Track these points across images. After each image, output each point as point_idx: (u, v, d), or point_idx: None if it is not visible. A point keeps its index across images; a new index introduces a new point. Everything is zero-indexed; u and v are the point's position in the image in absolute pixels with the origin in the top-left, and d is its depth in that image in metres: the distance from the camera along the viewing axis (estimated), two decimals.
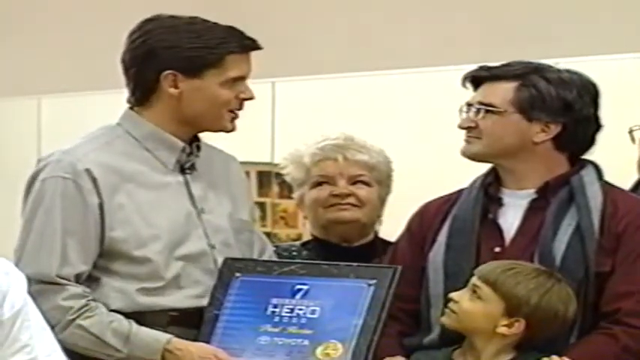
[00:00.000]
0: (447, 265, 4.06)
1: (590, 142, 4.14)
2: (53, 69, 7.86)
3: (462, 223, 4.17)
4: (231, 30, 4.02)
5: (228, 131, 4.06)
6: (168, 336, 3.98)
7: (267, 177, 6.62)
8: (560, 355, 3.88)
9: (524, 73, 4.10)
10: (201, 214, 4.03)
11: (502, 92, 4.09)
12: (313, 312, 4.04)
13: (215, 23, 4.06)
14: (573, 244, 4.02)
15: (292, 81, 7.04)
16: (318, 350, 3.93)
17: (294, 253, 4.61)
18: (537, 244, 4.01)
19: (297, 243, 4.75)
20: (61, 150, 4.04)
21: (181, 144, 3.99)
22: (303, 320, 4.06)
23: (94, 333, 3.92)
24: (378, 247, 4.51)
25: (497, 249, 3.96)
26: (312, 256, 4.51)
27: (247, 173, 5.43)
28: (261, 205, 6.76)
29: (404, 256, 4.26)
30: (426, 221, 4.29)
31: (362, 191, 4.40)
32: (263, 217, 6.97)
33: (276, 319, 4.06)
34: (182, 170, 4.00)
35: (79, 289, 3.89)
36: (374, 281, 4.02)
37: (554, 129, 4.04)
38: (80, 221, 3.93)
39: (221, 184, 4.16)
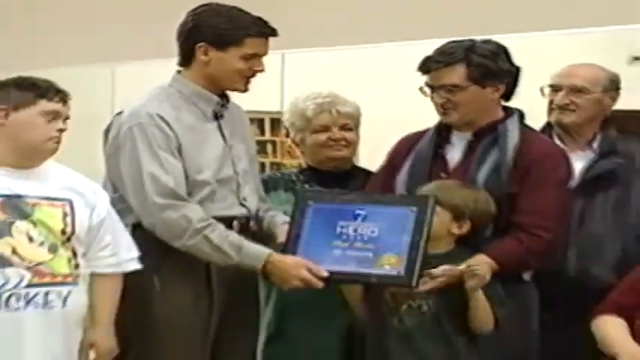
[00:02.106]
0: (408, 186, 4.82)
1: (514, 90, 4.90)
2: (126, 39, 7.96)
3: (421, 156, 4.89)
4: (257, 19, 4.68)
5: (241, 91, 4.74)
6: (269, 250, 4.60)
7: (277, 122, 6.86)
8: (478, 249, 4.59)
9: (465, 56, 4.74)
10: (231, 149, 4.74)
11: (457, 74, 4.73)
12: (372, 232, 4.55)
13: (247, 13, 4.73)
14: (493, 173, 4.70)
15: (299, 52, 7.30)
16: (380, 260, 4.48)
17: (294, 177, 5.31)
18: (469, 173, 4.73)
19: (295, 170, 5.40)
20: (133, 106, 4.71)
21: (216, 98, 4.68)
22: (366, 238, 4.55)
23: (216, 244, 4.54)
24: (356, 174, 5.24)
25: (443, 175, 4.71)
26: (307, 180, 5.24)
27: (263, 119, 6.03)
28: (273, 142, 7.23)
29: (382, 179, 5.03)
30: (398, 152, 5.00)
31: (349, 134, 5.11)
32: (274, 151, 7.43)
33: (344, 237, 4.58)
34: (216, 117, 4.73)
35: (197, 206, 4.56)
36: (415, 208, 4.51)
37: (502, 88, 4.77)
38: (169, 150, 4.60)
39: (239, 128, 4.86)
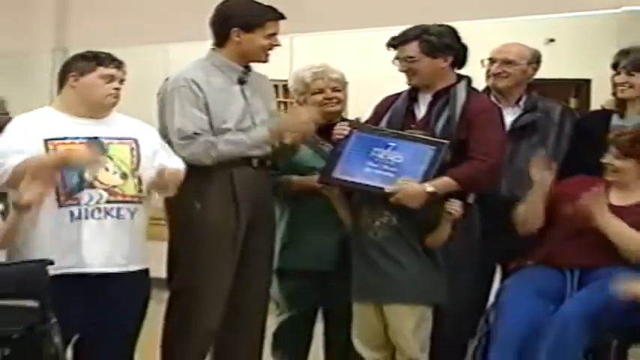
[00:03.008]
0: None
1: (464, 61, 5.01)
2: (178, 21, 7.72)
3: (396, 111, 5.06)
4: (270, 7, 4.92)
5: (263, 62, 4.98)
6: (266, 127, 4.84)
7: (287, 88, 6.05)
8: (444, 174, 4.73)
9: (419, 34, 4.94)
10: (250, 106, 4.94)
11: (413, 48, 4.91)
12: (398, 159, 4.76)
13: (260, 3, 4.98)
14: (447, 125, 4.90)
15: (303, 35, 7.27)
16: (398, 180, 4.69)
17: None
18: (429, 124, 4.93)
19: None
20: (176, 73, 4.97)
21: (241, 68, 4.91)
22: (392, 164, 4.77)
23: (232, 140, 4.80)
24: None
25: (412, 126, 4.92)
26: None
27: (277, 86, 6.01)
28: (285, 103, 7.24)
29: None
30: (382, 107, 5.14)
31: (339, 94, 5.27)
32: (285, 109, 7.27)
33: (375, 159, 4.79)
34: (240, 82, 4.93)
35: (211, 136, 4.79)
36: (434, 147, 4.73)
37: (450, 59, 4.91)
38: (196, 106, 4.84)
39: (259, 90, 5.02)
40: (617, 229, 4.64)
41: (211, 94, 4.85)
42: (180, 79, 4.87)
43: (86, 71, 4.62)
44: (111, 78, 4.60)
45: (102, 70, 4.60)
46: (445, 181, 4.72)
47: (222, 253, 4.87)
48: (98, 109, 4.62)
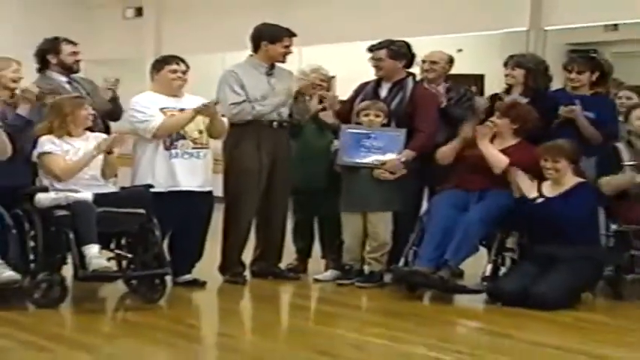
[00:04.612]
0: (359, 110, 4.99)
1: (411, 63, 5.04)
2: (231, 36, 6.70)
3: (367, 93, 5.05)
4: (287, 29, 4.92)
5: (282, 62, 4.97)
6: None
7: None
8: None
9: (387, 45, 4.96)
10: (274, 89, 4.93)
11: (383, 54, 4.94)
12: (380, 145, 4.82)
13: (280, 25, 4.96)
14: (400, 104, 4.94)
15: (309, 47, 6.83)
16: (382, 158, 4.77)
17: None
18: (387, 103, 4.96)
19: None
20: (225, 69, 5.04)
21: (266, 65, 4.94)
22: (377, 147, 4.82)
23: (262, 104, 4.79)
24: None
25: (380, 105, 4.89)
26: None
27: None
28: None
29: (349, 103, 5.11)
30: (358, 90, 5.13)
31: (323, 84, 5.22)
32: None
33: (365, 146, 4.84)
34: (267, 74, 4.94)
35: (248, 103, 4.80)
36: (400, 134, 4.82)
37: (406, 61, 4.99)
38: (237, 85, 4.85)
39: (281, 79, 4.99)
40: (488, 150, 4.75)
41: (245, 80, 4.90)
42: (227, 72, 5.00)
43: (160, 68, 4.84)
44: (175, 70, 4.80)
45: (169, 67, 4.81)
46: (408, 153, 4.86)
47: (251, 181, 4.91)
48: (172, 91, 4.79)
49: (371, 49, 4.99)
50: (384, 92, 5.02)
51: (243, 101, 4.83)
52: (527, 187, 4.63)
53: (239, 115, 4.84)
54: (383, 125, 4.89)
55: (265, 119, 4.88)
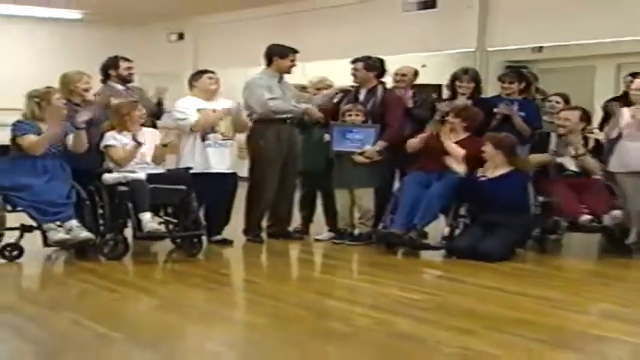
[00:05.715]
0: (344, 111, 4.97)
1: (383, 74, 4.98)
2: (252, 52, 5.73)
3: (349, 97, 5.04)
4: (292, 48, 4.92)
5: (288, 73, 4.92)
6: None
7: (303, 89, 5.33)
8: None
9: (365, 60, 4.95)
10: (285, 94, 4.93)
11: (361, 66, 4.93)
12: (360, 137, 4.80)
13: (286, 46, 4.92)
14: (374, 105, 4.91)
15: (310, 63, 6.74)
16: (362, 147, 4.74)
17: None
18: (364, 105, 4.92)
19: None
20: (249, 78, 4.98)
21: (278, 75, 4.92)
22: (358, 139, 4.80)
23: (281, 102, 4.74)
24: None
25: (359, 107, 4.89)
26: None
27: (296, 86, 5.20)
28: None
29: (333, 105, 5.07)
30: (342, 96, 5.09)
31: (324, 90, 5.21)
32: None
33: (349, 138, 4.82)
34: (278, 82, 4.92)
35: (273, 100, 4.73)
36: (374, 129, 4.78)
37: (377, 73, 4.94)
38: (261, 90, 4.80)
39: (287, 87, 4.99)
40: (450, 145, 4.78)
41: (267, 86, 4.89)
42: (251, 80, 4.99)
43: (199, 78, 4.77)
44: (211, 77, 4.75)
45: (206, 76, 4.76)
46: (381, 143, 4.84)
47: (273, 167, 4.91)
48: (209, 96, 4.75)
49: (352, 61, 5.00)
50: (362, 97, 5.01)
51: (277, 98, 4.81)
52: (457, 167, 4.69)
53: (276, 106, 4.79)
54: (362, 122, 4.90)
55: (283, 117, 4.89)
